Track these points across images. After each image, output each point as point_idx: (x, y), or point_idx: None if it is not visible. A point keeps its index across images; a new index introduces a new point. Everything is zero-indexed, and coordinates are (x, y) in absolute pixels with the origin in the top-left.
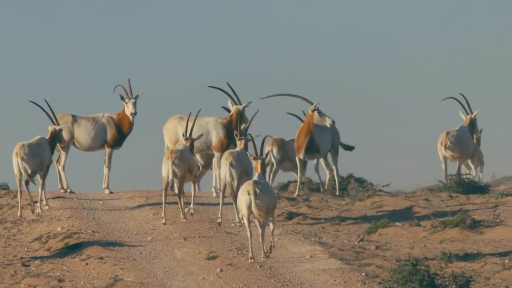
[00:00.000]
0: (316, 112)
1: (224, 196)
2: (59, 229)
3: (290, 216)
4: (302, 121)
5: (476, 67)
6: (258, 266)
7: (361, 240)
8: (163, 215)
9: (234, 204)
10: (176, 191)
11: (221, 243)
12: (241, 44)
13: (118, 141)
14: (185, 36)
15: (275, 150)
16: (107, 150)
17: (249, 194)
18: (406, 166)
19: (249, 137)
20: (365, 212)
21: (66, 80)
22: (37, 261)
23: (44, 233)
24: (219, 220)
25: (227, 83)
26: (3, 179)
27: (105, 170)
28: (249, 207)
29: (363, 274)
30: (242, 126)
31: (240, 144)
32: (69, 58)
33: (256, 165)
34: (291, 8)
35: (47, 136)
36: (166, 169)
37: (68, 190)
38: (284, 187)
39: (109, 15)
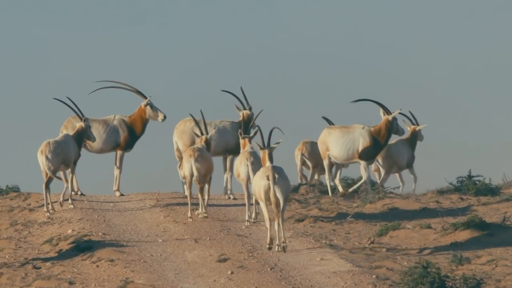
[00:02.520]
0: (395, 121)
1: (234, 198)
2: (69, 231)
3: (301, 218)
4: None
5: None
6: (269, 269)
7: (372, 242)
8: (189, 215)
9: (247, 203)
10: (186, 192)
11: (232, 245)
12: (246, 47)
13: (130, 143)
14: (190, 39)
15: (380, 160)
16: (119, 152)
17: (268, 179)
18: (417, 168)
19: (257, 128)
20: (376, 214)
21: (76, 83)
22: (47, 263)
23: (55, 235)
24: (251, 219)
25: (241, 87)
26: (14, 182)
27: (116, 172)
28: (267, 192)
29: (373, 276)
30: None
31: (244, 144)
32: (79, 61)
33: (264, 155)
34: (301, 12)
35: (72, 133)
36: (189, 167)
37: (79, 193)
38: (295, 189)
39: (119, 17)
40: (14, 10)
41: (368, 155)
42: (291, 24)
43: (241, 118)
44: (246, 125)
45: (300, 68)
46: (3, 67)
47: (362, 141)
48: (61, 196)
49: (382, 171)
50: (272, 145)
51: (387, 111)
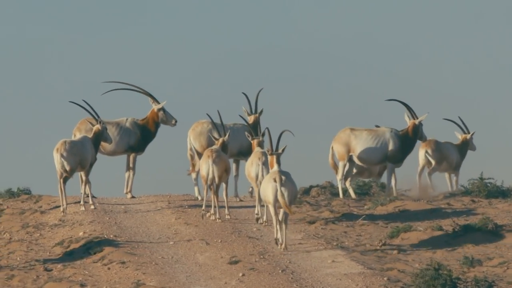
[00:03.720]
0: (421, 126)
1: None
2: (81, 233)
3: (312, 220)
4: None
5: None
6: (280, 271)
7: (383, 244)
8: (202, 210)
9: (257, 200)
10: (198, 194)
11: (243, 247)
12: (254, 48)
13: (143, 145)
14: (196, 40)
15: (430, 151)
16: (131, 155)
17: (275, 181)
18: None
19: (266, 131)
20: (387, 216)
21: (87, 85)
22: (59, 266)
23: (66, 237)
24: (258, 216)
25: (259, 91)
26: (25, 184)
27: (129, 175)
28: (275, 194)
29: (385, 278)
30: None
31: (254, 145)
32: (90, 63)
33: (272, 160)
34: (313, 12)
35: (90, 136)
36: (207, 168)
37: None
38: (306, 191)
39: (129, 18)
40: (24, 12)
41: (397, 158)
42: (303, 24)
43: (250, 122)
44: (255, 129)
45: (311, 68)
46: (14, 69)
47: (392, 144)
48: (87, 195)
49: (433, 163)
50: (280, 149)
51: (414, 115)
